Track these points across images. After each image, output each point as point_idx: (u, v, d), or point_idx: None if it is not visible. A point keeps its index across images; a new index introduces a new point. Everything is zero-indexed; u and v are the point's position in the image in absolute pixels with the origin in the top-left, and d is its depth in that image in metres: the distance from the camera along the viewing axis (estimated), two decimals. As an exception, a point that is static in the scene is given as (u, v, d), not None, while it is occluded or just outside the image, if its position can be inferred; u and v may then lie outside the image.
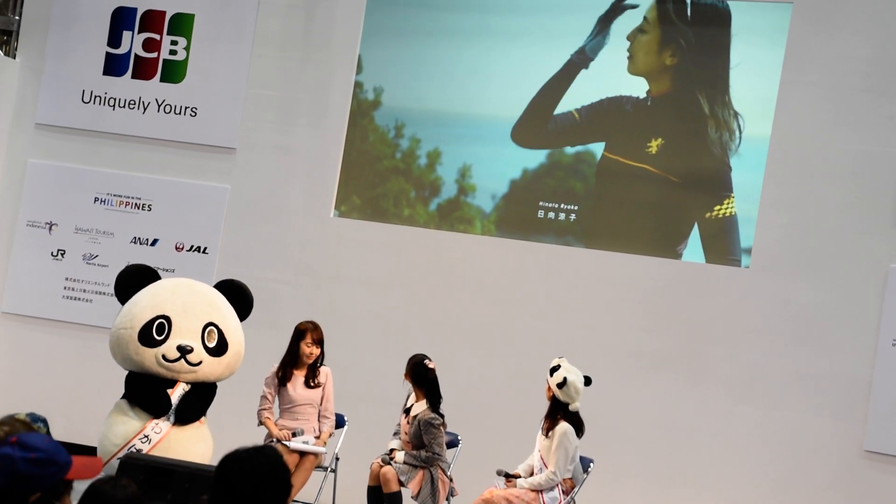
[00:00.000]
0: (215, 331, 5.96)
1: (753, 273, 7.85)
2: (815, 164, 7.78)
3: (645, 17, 8.05)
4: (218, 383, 6.24)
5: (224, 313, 6.00)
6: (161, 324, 5.94)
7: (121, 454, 5.80)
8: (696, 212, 8.05)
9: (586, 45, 7.99)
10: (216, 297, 6.04)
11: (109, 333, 6.05)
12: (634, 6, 7.86)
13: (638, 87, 8.15)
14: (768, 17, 7.88)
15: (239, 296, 6.08)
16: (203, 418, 6.18)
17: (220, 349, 6.00)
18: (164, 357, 5.99)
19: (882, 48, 7.66)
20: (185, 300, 5.93)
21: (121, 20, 8.81)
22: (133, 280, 5.98)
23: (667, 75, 8.03)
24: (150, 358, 5.94)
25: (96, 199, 8.72)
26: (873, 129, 7.63)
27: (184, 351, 5.93)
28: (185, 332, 5.87)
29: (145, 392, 5.94)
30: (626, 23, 8.05)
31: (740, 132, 7.89)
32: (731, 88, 7.96)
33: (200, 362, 5.96)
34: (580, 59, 8.15)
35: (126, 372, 6.14)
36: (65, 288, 8.59)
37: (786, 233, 7.82)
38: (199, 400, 6.04)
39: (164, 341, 5.97)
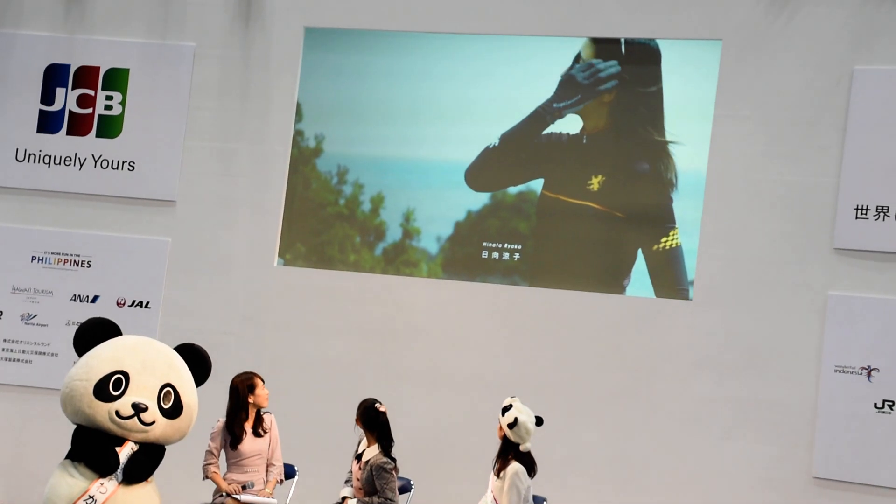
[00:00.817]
0: (172, 392, 5.75)
1: (697, 305, 7.79)
2: (751, 195, 7.75)
3: (579, 55, 8.10)
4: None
5: (182, 376, 5.75)
6: (119, 379, 5.73)
7: (66, 516, 5.68)
8: (642, 245, 8.02)
9: (560, 103, 8.01)
10: (176, 359, 5.81)
11: (62, 384, 5.90)
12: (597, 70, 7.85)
13: (572, 125, 8.14)
14: (699, 54, 7.92)
15: (198, 361, 5.88)
16: (150, 477, 6.06)
17: (174, 411, 5.79)
18: (117, 413, 5.79)
19: (810, 81, 7.73)
20: (146, 358, 5.74)
21: (54, 77, 8.77)
22: (94, 333, 5.86)
23: (602, 112, 8.05)
24: (102, 413, 5.81)
25: (34, 258, 8.66)
26: (806, 159, 7.65)
27: (138, 409, 5.70)
28: (142, 391, 5.70)
29: (93, 448, 5.83)
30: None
31: (676, 167, 7.91)
32: (666, 123, 7.97)
33: (154, 422, 5.77)
34: (549, 114, 8.18)
35: (73, 429, 6.01)
36: (3, 349, 8.51)
37: (726, 264, 7.76)
38: (149, 459, 5.96)
39: (119, 397, 5.75)
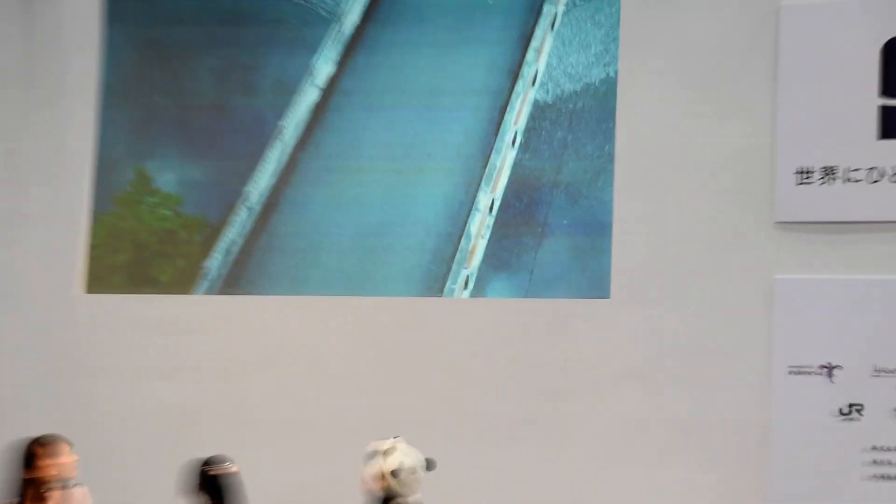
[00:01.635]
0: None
1: (614, 305, 7.21)
2: (671, 166, 7.18)
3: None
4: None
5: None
6: None
7: None
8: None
9: None
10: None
11: None
12: None
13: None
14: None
15: None
16: None
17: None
18: None
19: (732, 23, 7.14)
20: None
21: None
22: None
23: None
24: None
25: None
26: (733, 117, 7.08)
27: None
28: None
29: None
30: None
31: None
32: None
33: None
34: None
35: None
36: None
37: (648, 252, 7.21)
38: None
39: None
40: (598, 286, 7.26)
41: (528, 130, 7.29)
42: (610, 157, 7.27)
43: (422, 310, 7.40)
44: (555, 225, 7.30)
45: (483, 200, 7.25)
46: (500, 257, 7.27)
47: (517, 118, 7.21)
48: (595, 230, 7.29)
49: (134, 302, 7.64)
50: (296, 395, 7.51)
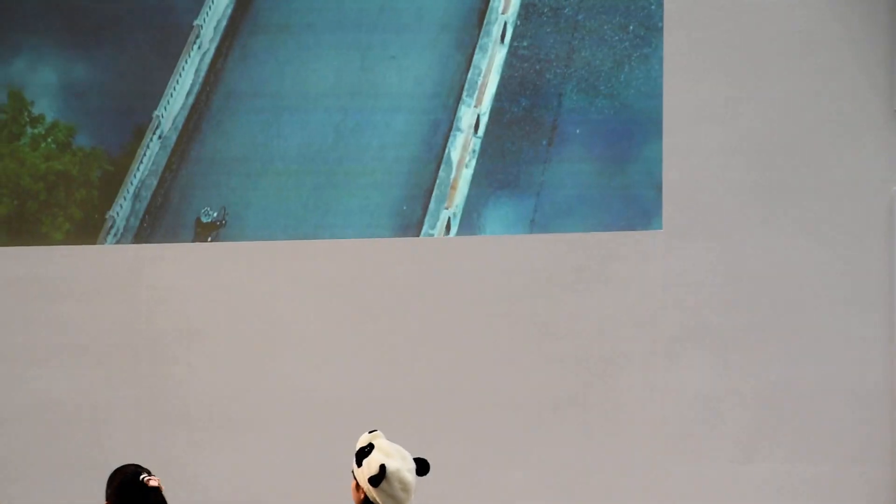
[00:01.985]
0: None
1: (670, 237, 6.43)
2: (751, 40, 6.34)
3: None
4: None
5: None
6: None
7: None
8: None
9: None
10: None
11: None
12: None
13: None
14: None
15: None
16: None
17: None
18: None
19: None
20: None
21: None
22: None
23: None
24: None
25: None
26: None
27: None
28: None
29: None
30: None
31: None
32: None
33: None
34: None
35: None
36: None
37: (715, 165, 6.40)
38: None
39: None
40: (642, 213, 6.41)
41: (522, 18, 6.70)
42: (652, 32, 6.41)
43: (399, 252, 6.63)
44: (567, 135, 6.51)
45: (465, 118, 6.63)
46: (495, 185, 6.62)
47: (504, 5, 6.63)
48: (631, 137, 6.48)
49: (15, 258, 6.78)
50: (234, 376, 6.73)
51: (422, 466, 4.88)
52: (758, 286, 6.50)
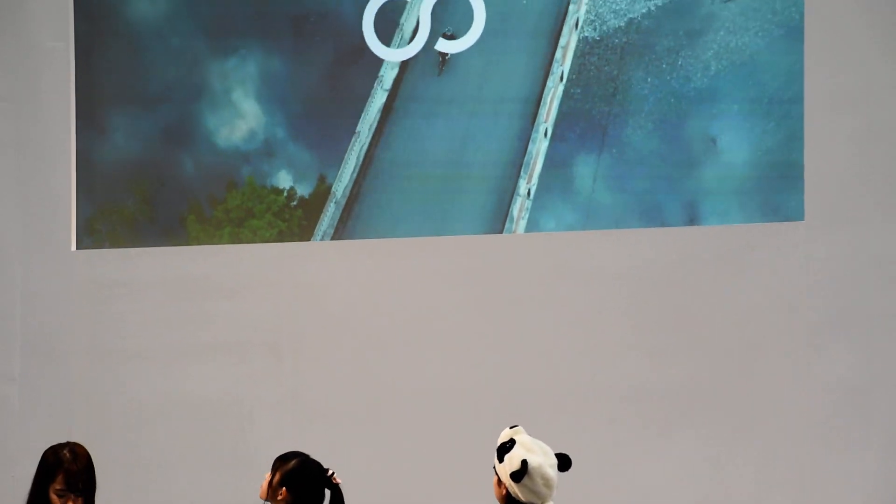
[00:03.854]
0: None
1: (813, 229, 6.36)
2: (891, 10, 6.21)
3: None
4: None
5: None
6: None
7: None
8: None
9: None
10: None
11: None
12: None
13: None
14: None
15: None
16: None
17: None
18: None
19: None
20: None
21: None
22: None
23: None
24: None
25: None
26: None
27: None
28: None
29: None
30: None
31: None
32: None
33: None
34: None
35: None
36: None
37: (863, 150, 6.24)
38: None
39: None
40: (782, 203, 6.33)
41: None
42: (795, 18, 6.25)
43: (527, 246, 6.59)
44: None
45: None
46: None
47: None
48: (772, 127, 6.32)
49: (147, 258, 6.90)
50: (373, 372, 6.80)
51: (563, 462, 5.00)
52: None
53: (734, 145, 6.40)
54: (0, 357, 7.13)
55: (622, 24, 6.30)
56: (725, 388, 6.52)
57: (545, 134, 6.36)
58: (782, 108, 6.35)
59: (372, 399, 6.86)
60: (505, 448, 5.06)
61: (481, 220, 6.61)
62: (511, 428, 5.09)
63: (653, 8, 6.33)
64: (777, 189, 6.37)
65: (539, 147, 6.39)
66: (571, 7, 6.34)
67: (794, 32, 6.35)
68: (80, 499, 5.33)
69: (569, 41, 6.44)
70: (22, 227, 7.13)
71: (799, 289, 6.44)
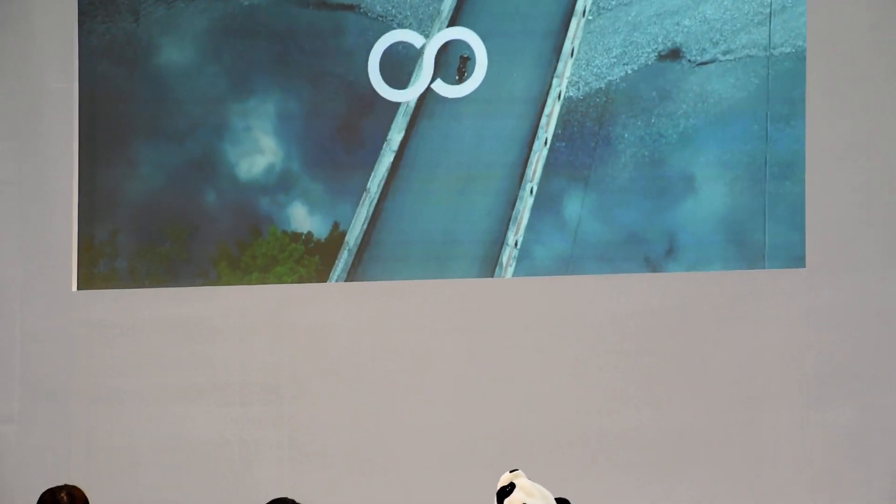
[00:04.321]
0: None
1: (808, 275, 6.34)
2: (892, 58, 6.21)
3: None
4: None
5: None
6: None
7: None
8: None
9: None
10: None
11: None
12: None
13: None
14: None
15: None
16: None
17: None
18: None
19: None
20: None
21: None
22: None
23: None
24: None
25: None
26: None
27: None
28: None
29: None
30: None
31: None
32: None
33: None
34: None
35: None
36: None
37: (863, 198, 6.22)
38: None
39: None
40: (784, 251, 6.39)
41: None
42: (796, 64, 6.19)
43: (530, 290, 6.58)
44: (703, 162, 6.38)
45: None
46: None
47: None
48: (772, 174, 6.32)
49: (151, 299, 6.85)
50: (373, 416, 6.76)
51: None
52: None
53: (730, 191, 6.37)
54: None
55: (602, 85, 6.41)
56: (724, 437, 6.44)
57: (531, 192, 6.46)
58: (784, 156, 6.35)
59: (370, 442, 6.77)
60: (504, 492, 4.92)
61: (474, 267, 6.71)
62: (511, 472, 4.96)
63: (629, 71, 6.42)
64: (778, 235, 6.36)
65: (525, 203, 6.50)
66: (555, 80, 6.39)
67: (761, 91, 6.38)
68: None
69: (552, 110, 6.54)
70: (23, 267, 7.09)
71: (799, 337, 6.39)
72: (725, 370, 6.50)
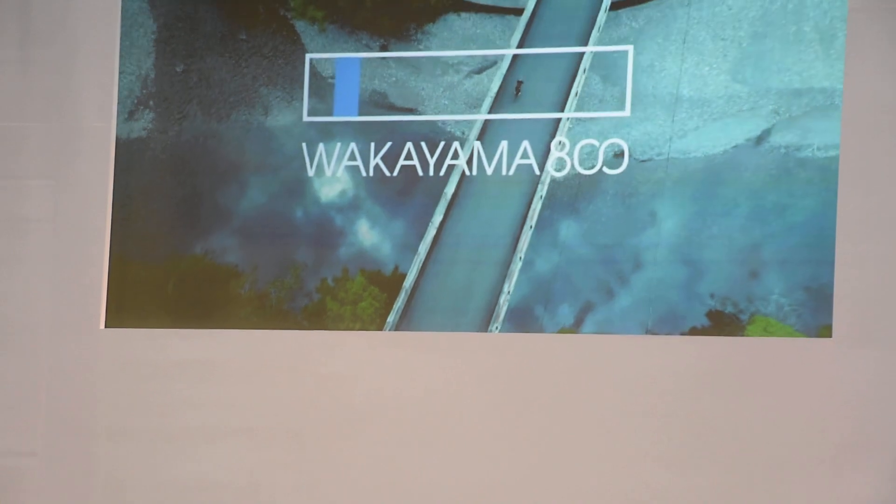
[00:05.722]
0: None
1: (835, 346, 6.07)
2: None
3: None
4: None
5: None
6: None
7: None
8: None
9: None
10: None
11: None
12: None
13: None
14: None
15: None
16: None
17: None
18: None
19: None
20: None
21: None
22: None
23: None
24: None
25: None
26: None
27: None
28: None
29: None
30: None
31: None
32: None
33: None
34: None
35: None
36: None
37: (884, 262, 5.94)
38: None
39: None
40: (811, 320, 6.12)
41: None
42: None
43: (553, 348, 6.47)
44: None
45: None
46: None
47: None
48: (802, 242, 6.12)
49: (178, 339, 6.85)
50: (394, 465, 6.72)
51: None
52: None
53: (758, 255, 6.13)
54: (23, 431, 7.04)
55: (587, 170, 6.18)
56: (748, 501, 6.21)
57: (519, 258, 6.29)
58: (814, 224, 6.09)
59: (389, 492, 6.69)
60: None
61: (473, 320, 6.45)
62: None
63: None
64: (804, 304, 6.12)
65: (515, 268, 6.32)
66: (539, 187, 6.23)
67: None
68: None
69: (537, 208, 6.33)
70: (52, 303, 7.09)
71: (824, 407, 6.17)
72: (746, 436, 6.33)
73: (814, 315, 6.08)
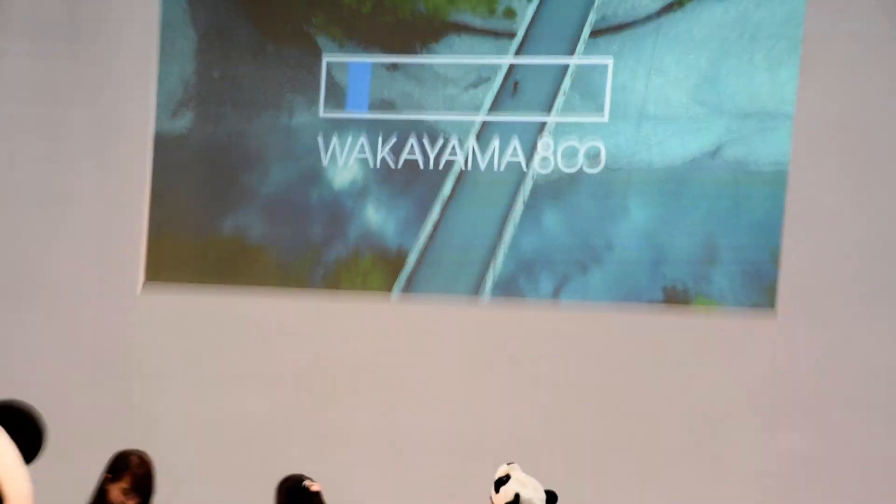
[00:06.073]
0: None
1: (784, 320, 6.54)
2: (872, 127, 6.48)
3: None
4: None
5: (-3, 454, 4.75)
6: None
7: None
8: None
9: None
10: (-20, 428, 4.74)
11: None
12: None
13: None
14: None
15: (21, 425, 4.63)
16: None
17: (-9, 505, 4.53)
18: None
19: None
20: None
21: None
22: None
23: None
24: None
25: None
26: None
27: None
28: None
29: None
30: None
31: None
32: None
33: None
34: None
35: None
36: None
37: (836, 248, 6.47)
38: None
39: None
40: (758, 295, 6.69)
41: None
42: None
43: (555, 321, 6.91)
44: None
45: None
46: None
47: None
48: (753, 220, 6.68)
49: (207, 298, 7.25)
50: (397, 412, 7.17)
51: (551, 498, 5.42)
52: (867, 376, 6.40)
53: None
54: (70, 372, 7.40)
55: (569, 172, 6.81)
56: (694, 451, 6.76)
57: (506, 242, 6.92)
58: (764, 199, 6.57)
59: (388, 430, 7.14)
60: (501, 481, 5.42)
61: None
62: (508, 464, 5.49)
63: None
64: (743, 286, 6.63)
65: (502, 249, 6.92)
66: (522, 189, 6.80)
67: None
68: (139, 499, 5.64)
69: (518, 210, 6.91)
70: (97, 268, 7.49)
71: (761, 373, 6.61)
72: (694, 395, 6.81)
73: (751, 295, 6.62)
